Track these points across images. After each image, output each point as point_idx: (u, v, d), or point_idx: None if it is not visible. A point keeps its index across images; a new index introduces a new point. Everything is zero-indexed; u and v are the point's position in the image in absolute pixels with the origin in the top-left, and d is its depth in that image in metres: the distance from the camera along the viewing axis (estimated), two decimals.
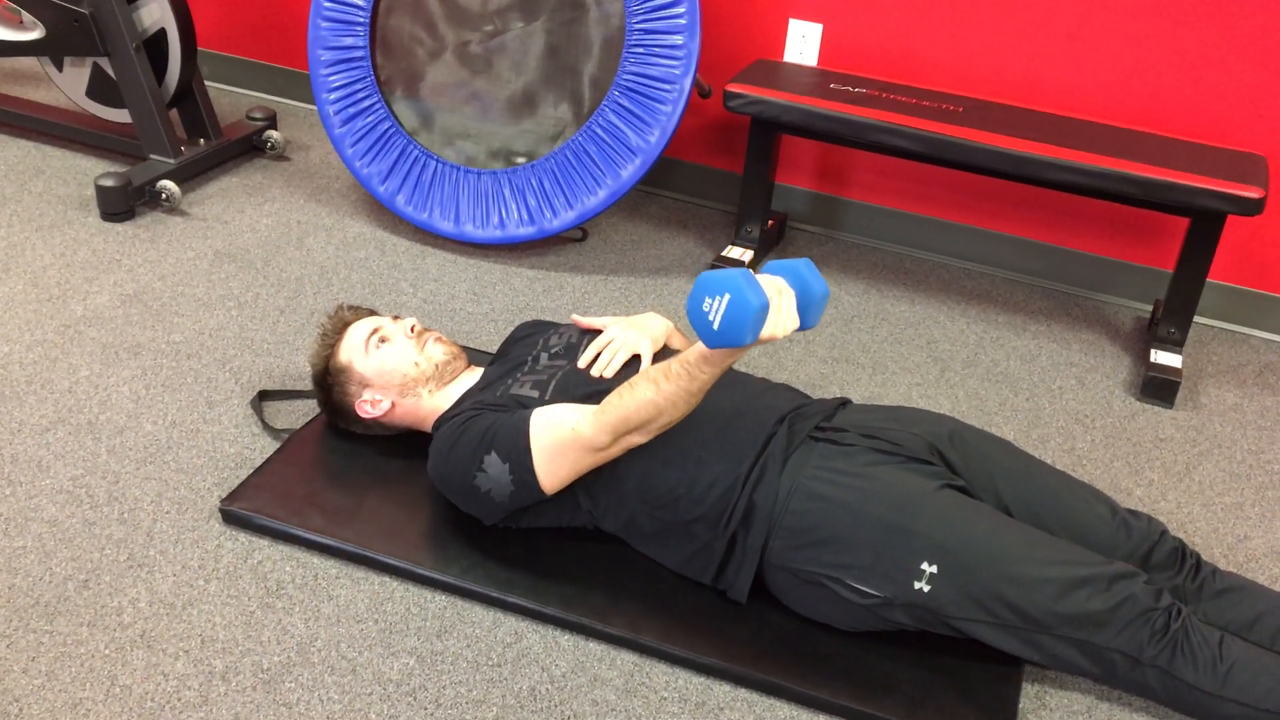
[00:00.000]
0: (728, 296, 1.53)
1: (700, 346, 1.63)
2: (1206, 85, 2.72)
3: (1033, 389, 2.60)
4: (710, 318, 1.54)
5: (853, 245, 3.20)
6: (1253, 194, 2.40)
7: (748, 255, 2.91)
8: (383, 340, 2.06)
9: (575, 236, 3.07)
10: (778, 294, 1.58)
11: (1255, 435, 2.50)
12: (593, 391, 1.89)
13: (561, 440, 1.78)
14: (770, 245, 3.08)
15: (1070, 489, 1.89)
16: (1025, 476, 1.89)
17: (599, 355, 1.98)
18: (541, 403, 1.89)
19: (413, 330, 2.07)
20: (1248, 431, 2.51)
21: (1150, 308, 2.98)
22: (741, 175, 2.95)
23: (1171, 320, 2.67)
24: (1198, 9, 2.66)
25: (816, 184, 3.21)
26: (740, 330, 1.53)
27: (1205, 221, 2.56)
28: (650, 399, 1.70)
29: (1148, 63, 2.75)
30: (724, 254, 2.91)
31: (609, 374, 1.94)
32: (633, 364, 1.98)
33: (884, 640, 1.80)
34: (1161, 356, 2.63)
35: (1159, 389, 2.56)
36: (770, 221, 3.03)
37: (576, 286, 2.85)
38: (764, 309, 1.53)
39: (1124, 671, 1.70)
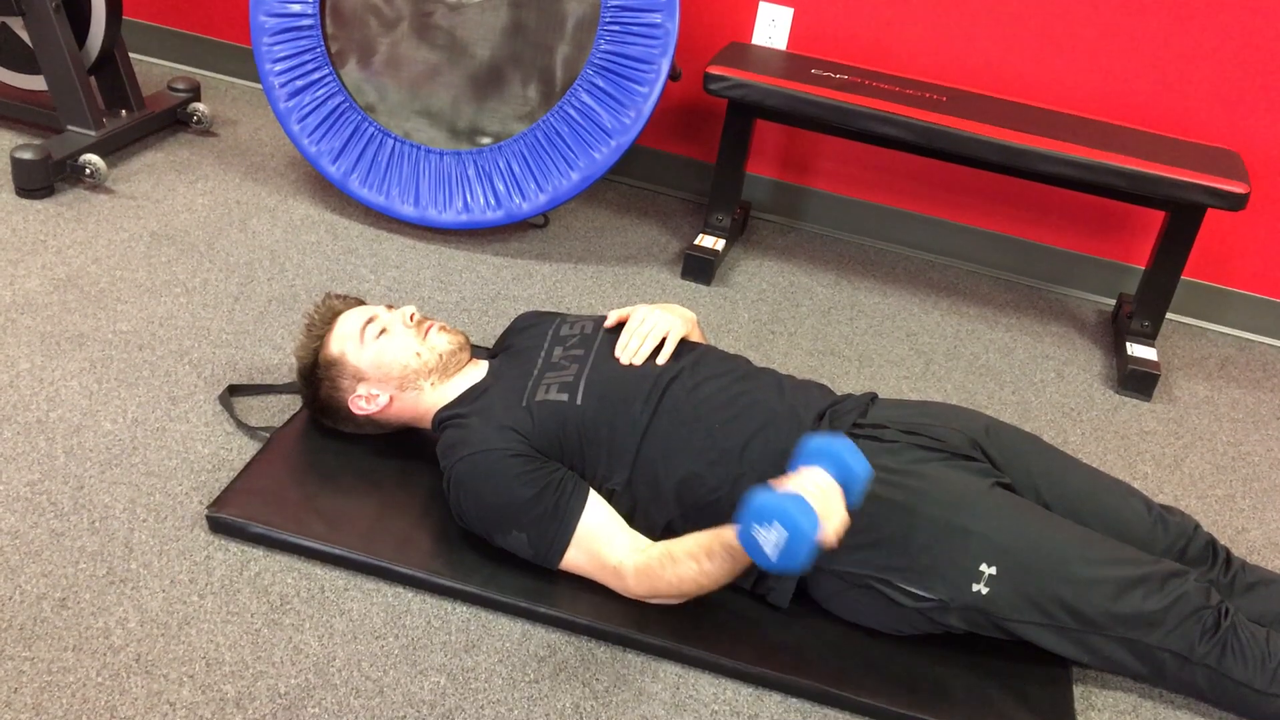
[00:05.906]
0: (785, 535, 1.44)
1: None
2: (1180, 80, 2.74)
3: (1016, 382, 2.58)
4: (765, 550, 1.47)
5: (816, 236, 3.14)
6: (1238, 189, 2.42)
7: (720, 244, 2.82)
8: (381, 331, 1.90)
9: (537, 223, 2.93)
10: (824, 498, 1.49)
11: (1231, 428, 2.53)
12: (627, 396, 1.79)
13: (600, 567, 1.74)
14: (735, 235, 2.99)
15: (1106, 485, 1.87)
16: (1062, 472, 1.86)
17: (630, 341, 1.87)
18: (574, 409, 1.77)
19: (411, 319, 1.92)
20: (1223, 424, 2.54)
21: (1112, 301, 3.01)
22: (715, 162, 2.84)
23: (1145, 314, 2.69)
24: (1169, 4, 2.68)
25: (779, 173, 3.14)
26: (797, 561, 1.46)
27: (1184, 216, 2.58)
28: (693, 576, 1.65)
29: (1121, 56, 2.76)
30: (696, 243, 2.81)
31: (638, 361, 1.84)
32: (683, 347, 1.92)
33: (930, 644, 1.74)
34: (1137, 350, 2.65)
35: (1138, 382, 2.57)
36: (737, 210, 2.95)
37: (546, 274, 2.72)
38: (816, 532, 1.45)
39: (1172, 671, 1.67)
